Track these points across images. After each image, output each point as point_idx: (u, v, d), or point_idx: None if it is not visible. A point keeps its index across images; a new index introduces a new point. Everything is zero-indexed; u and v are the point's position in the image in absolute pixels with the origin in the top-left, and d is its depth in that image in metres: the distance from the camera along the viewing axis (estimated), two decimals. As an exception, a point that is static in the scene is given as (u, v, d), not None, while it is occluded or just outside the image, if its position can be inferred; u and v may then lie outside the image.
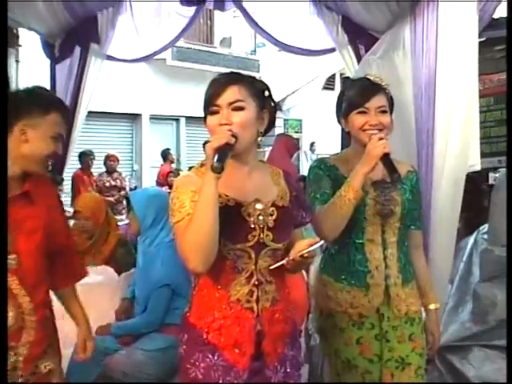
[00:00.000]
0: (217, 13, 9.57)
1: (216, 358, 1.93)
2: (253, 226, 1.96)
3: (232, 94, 1.94)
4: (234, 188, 1.96)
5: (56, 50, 4.06)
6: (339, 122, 2.63)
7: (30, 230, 2.24)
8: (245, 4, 3.90)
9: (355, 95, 2.54)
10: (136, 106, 13.51)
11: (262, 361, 1.98)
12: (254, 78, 2.06)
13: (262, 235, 1.97)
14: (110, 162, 9.87)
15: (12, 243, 2.18)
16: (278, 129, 15.62)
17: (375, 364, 2.53)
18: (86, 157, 9.51)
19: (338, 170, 2.55)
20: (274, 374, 2.00)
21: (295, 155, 7.52)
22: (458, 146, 2.89)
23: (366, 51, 3.44)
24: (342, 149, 3.38)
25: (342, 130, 2.66)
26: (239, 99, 1.94)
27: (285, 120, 16.63)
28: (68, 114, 2.46)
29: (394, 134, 2.62)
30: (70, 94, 4.05)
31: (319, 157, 2.89)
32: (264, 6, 4.02)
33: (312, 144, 15.18)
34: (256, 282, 1.98)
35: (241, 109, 1.94)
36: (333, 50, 3.82)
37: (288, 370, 2.04)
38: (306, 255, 1.90)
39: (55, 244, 2.34)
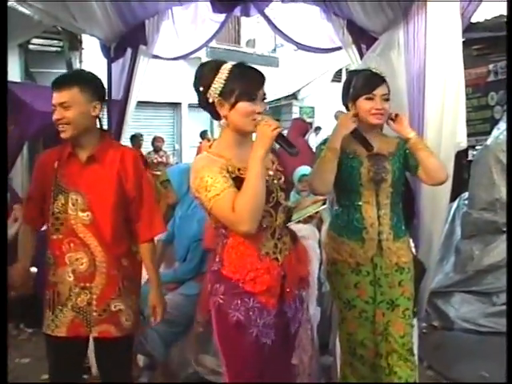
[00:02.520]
0: (243, 19, 9.49)
1: (252, 301, 1.94)
2: (271, 188, 1.97)
3: (264, 87, 1.95)
4: (247, 162, 1.88)
5: (112, 52, 4.07)
6: (345, 105, 2.61)
7: (101, 191, 2.23)
8: (266, 11, 3.90)
9: (364, 83, 2.52)
10: (177, 96, 13.45)
11: (282, 300, 2.01)
12: None
13: (278, 195, 2.00)
14: (157, 142, 9.94)
15: (87, 203, 2.21)
16: (295, 114, 15.54)
17: (370, 305, 2.57)
18: (136, 138, 9.56)
19: None
20: (289, 309, 2.04)
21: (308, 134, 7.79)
22: (448, 127, 2.86)
23: (367, 49, 3.42)
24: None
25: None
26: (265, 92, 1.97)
27: (300, 107, 16.51)
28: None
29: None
30: (123, 87, 4.06)
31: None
32: (282, 12, 4.03)
33: (317, 128, 14.97)
34: (278, 236, 2.01)
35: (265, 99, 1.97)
36: (340, 48, 3.81)
37: (297, 305, 2.09)
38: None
39: (134, 200, 2.29)
